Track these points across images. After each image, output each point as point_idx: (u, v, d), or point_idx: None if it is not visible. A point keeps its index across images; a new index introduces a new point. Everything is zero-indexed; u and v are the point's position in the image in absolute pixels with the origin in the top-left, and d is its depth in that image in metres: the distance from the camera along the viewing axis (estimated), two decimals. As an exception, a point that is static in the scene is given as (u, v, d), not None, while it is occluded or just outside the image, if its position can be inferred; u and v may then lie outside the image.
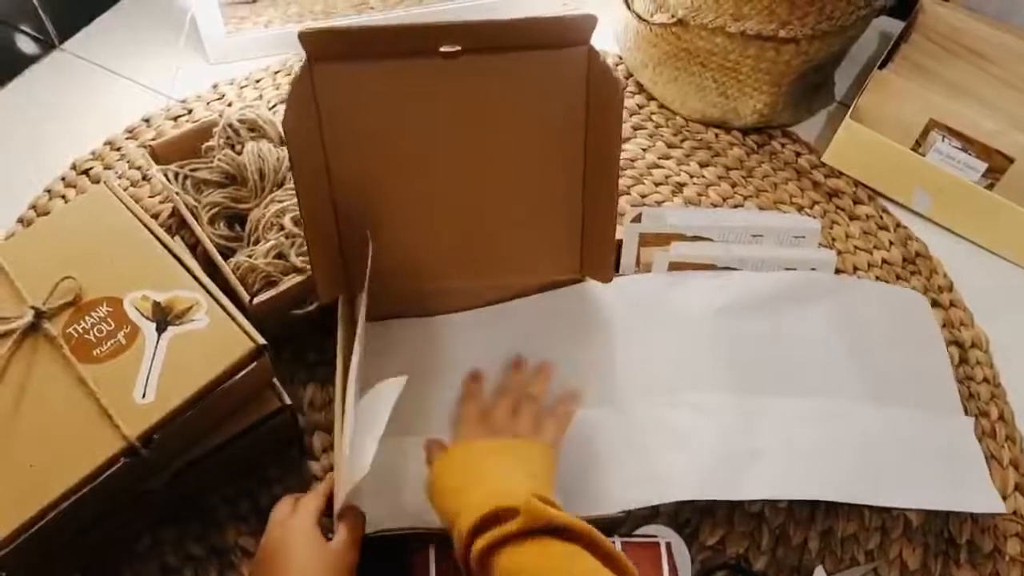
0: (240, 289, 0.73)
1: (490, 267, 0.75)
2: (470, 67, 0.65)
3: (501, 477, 0.57)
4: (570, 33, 0.64)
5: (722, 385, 0.73)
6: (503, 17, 0.63)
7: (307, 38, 0.62)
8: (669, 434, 0.70)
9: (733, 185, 0.95)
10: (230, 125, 0.83)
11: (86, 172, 0.93)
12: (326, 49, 0.63)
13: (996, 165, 0.89)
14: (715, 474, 0.67)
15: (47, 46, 1.06)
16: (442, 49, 0.64)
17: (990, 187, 0.89)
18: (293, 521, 0.57)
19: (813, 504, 0.72)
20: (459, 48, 0.64)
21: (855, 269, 0.89)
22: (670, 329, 0.77)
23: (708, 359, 0.75)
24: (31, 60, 1.05)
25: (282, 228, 0.76)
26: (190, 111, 0.99)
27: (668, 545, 0.64)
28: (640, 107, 1.03)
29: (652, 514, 0.70)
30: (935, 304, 0.86)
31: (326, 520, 0.58)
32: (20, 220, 0.89)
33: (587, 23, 0.64)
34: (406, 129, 0.68)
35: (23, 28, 1.03)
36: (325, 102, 0.65)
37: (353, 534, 0.57)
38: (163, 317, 0.64)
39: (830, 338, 0.78)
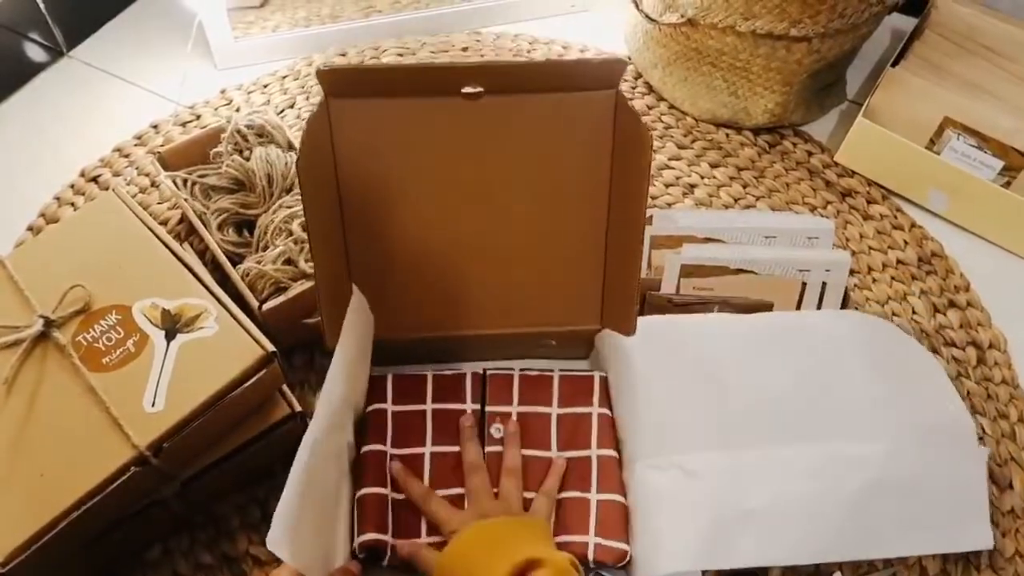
0: (249, 296, 0.72)
1: (506, 316, 0.71)
2: (492, 108, 0.62)
3: (532, 545, 0.58)
4: (596, 76, 0.62)
5: (711, 442, 0.69)
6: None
7: (324, 75, 0.60)
8: (656, 500, 0.66)
9: (745, 186, 0.94)
10: (238, 131, 0.83)
11: (95, 179, 0.93)
12: (343, 86, 0.61)
13: (1013, 163, 0.87)
14: (705, 542, 0.64)
15: (55, 53, 1.06)
16: (464, 90, 0.61)
17: (1007, 185, 0.88)
18: None
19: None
20: (481, 89, 0.61)
21: (870, 269, 0.88)
22: (652, 387, 0.71)
23: (694, 415, 0.70)
24: (39, 68, 1.05)
25: (291, 234, 0.75)
26: (198, 117, 0.99)
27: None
28: (650, 108, 1.02)
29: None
30: (952, 305, 0.85)
31: None
32: (30, 228, 0.89)
33: (615, 68, 0.61)
34: (424, 170, 0.65)
35: (31, 36, 1.03)
36: (341, 140, 0.63)
37: None
38: (172, 325, 0.64)
39: (822, 379, 0.73)
